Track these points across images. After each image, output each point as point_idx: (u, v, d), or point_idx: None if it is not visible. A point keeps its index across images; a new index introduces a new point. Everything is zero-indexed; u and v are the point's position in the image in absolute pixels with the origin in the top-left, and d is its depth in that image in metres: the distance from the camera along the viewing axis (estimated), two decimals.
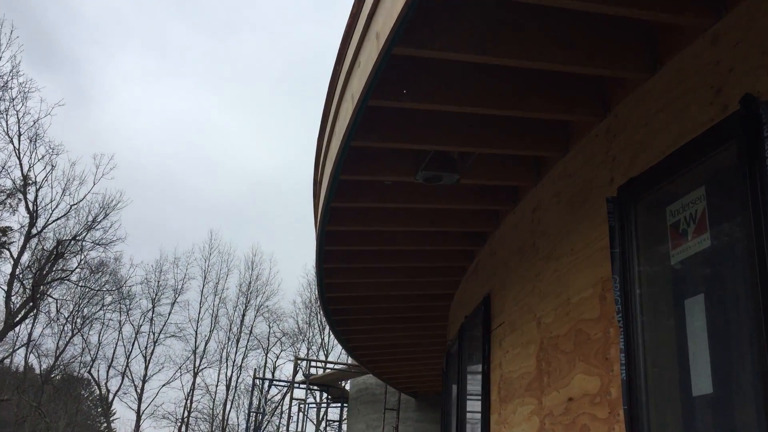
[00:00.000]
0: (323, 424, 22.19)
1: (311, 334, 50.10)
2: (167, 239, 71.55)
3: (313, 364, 17.49)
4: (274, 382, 24.85)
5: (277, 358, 49.03)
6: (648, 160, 3.22)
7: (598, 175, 3.76)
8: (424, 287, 7.60)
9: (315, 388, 17.71)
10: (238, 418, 62.54)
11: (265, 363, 46.31)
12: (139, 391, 43.42)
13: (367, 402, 16.12)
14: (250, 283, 49.29)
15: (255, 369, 20.62)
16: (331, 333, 48.56)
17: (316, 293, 17.39)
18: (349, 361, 15.64)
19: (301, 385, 16.78)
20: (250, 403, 19.89)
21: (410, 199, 5.05)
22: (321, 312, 49.93)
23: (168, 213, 69.45)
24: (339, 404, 19.63)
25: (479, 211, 5.65)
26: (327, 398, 19.92)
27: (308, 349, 47.26)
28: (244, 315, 48.20)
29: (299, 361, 14.84)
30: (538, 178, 4.67)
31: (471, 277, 6.91)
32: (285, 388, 21.40)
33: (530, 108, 3.81)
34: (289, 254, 74.42)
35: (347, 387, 19.37)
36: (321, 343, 49.24)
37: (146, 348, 44.68)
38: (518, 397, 4.64)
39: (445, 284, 7.47)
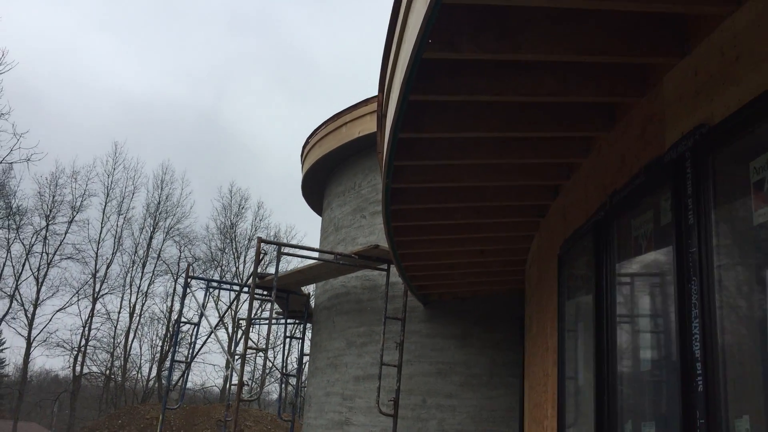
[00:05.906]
0: (287, 342, 18.19)
1: (226, 261, 46.11)
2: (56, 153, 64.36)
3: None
4: (217, 284, 20.83)
5: (187, 285, 44.64)
6: None
7: None
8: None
9: (264, 293, 13.54)
10: (141, 349, 58.03)
11: (174, 290, 41.85)
12: (29, 316, 38.34)
13: (348, 312, 12.56)
14: (159, 203, 44.65)
15: (188, 265, 16.45)
16: (245, 261, 44.57)
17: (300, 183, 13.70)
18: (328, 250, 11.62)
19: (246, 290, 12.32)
20: (182, 307, 15.92)
21: None
22: (236, 239, 45.79)
23: (45, 127, 62.18)
24: (295, 321, 15.72)
25: None
26: (279, 312, 16.02)
27: (221, 278, 43.17)
28: (151, 237, 43.58)
29: (262, 245, 10.23)
30: None
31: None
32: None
33: None
34: (199, 177, 68.78)
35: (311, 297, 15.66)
36: (235, 272, 45.25)
37: (38, 270, 39.46)
38: None
39: None
